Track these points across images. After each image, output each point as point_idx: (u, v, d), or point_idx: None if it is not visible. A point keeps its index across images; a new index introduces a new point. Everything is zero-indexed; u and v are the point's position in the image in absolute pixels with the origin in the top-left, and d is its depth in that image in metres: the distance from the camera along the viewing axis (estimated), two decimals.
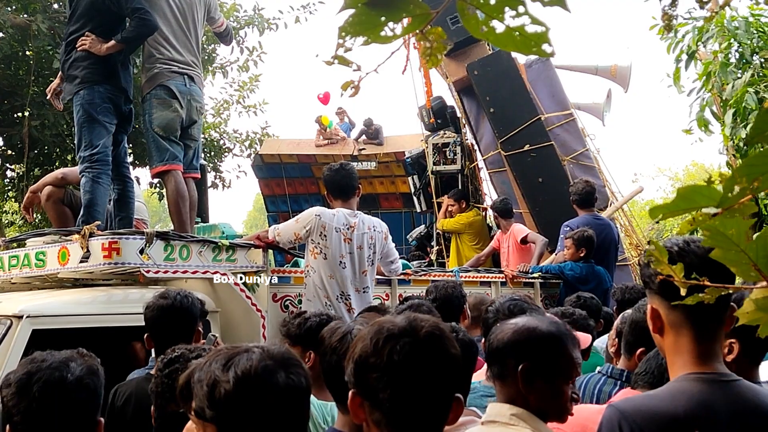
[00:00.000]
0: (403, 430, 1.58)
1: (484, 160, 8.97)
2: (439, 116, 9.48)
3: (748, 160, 0.97)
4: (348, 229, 4.66)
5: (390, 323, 1.61)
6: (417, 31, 1.04)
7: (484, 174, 9.48)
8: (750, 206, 1.00)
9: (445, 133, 9.32)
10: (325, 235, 4.59)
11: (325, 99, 14.86)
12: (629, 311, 3.14)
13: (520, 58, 8.84)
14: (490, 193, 9.34)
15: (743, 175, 0.97)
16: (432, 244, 9.84)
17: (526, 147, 8.19)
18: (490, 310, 3.21)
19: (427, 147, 9.43)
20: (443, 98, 9.73)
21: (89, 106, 4.98)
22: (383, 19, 1.00)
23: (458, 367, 1.63)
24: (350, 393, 1.62)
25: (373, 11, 0.99)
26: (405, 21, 1.03)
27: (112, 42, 4.95)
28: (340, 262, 4.61)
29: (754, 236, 1.06)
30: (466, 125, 9.30)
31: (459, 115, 9.57)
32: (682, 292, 1.24)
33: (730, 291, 1.20)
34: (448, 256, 9.03)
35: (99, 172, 4.91)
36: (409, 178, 10.50)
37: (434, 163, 9.25)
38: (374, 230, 4.82)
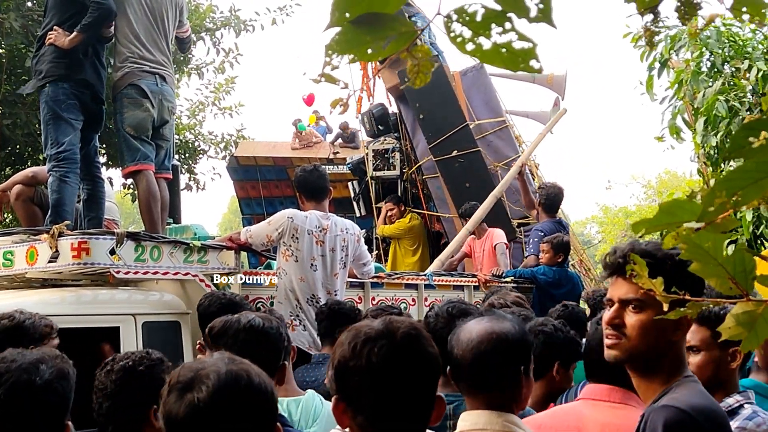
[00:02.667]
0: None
1: (419, 165, 9.06)
2: (381, 122, 9.54)
3: (728, 175, 0.99)
4: (320, 231, 4.66)
5: (367, 327, 1.63)
6: (403, 48, 1.04)
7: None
8: (732, 221, 1.02)
9: (385, 139, 9.41)
10: (296, 238, 4.59)
11: (309, 100, 14.85)
12: None
13: (453, 66, 9.01)
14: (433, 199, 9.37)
15: (723, 189, 0.98)
16: (372, 248, 9.90)
17: (454, 153, 8.35)
18: (430, 315, 3.17)
19: (367, 153, 9.49)
20: (385, 105, 9.80)
21: (54, 103, 4.93)
22: (369, 37, 1.00)
23: (437, 365, 1.66)
24: (333, 399, 1.64)
25: (358, 29, 0.99)
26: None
27: (74, 33, 4.91)
28: (312, 264, 4.61)
29: (732, 251, 1.08)
30: (404, 131, 9.37)
31: None
32: (665, 307, 1.26)
33: (711, 305, 1.22)
34: (385, 261, 9.06)
35: (66, 170, 4.85)
36: (349, 183, 10.58)
37: (374, 169, 9.32)
38: (347, 232, 4.84)
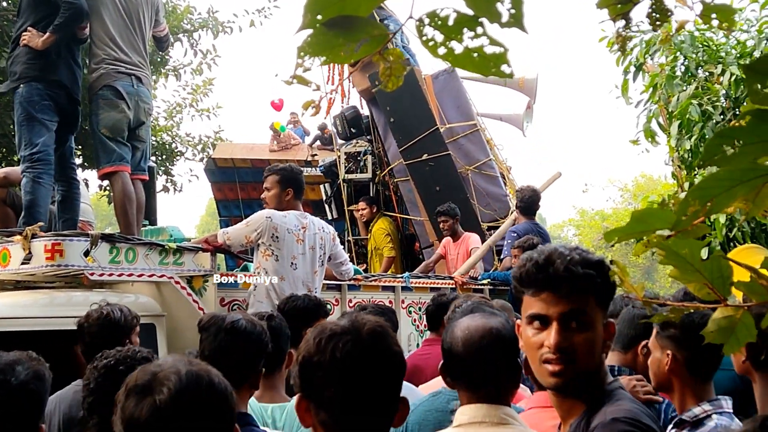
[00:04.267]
0: (349, 430, 1.58)
1: (391, 169, 9.10)
2: (353, 125, 9.56)
3: (701, 183, 1.00)
4: (300, 229, 4.74)
5: (332, 324, 1.64)
6: (375, 51, 1.04)
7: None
8: (702, 228, 1.04)
9: (357, 142, 9.44)
10: (276, 237, 4.63)
11: (278, 106, 14.79)
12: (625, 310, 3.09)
13: (425, 69, 9.05)
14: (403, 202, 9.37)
15: (696, 198, 1.00)
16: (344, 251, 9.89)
17: (425, 156, 8.39)
18: (456, 310, 3.19)
19: (339, 155, 9.51)
20: (357, 108, 9.83)
21: (28, 104, 4.91)
22: (341, 39, 1.00)
23: (401, 364, 1.66)
24: (296, 397, 1.63)
25: (331, 32, 0.99)
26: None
27: (47, 34, 4.88)
28: (292, 263, 4.67)
29: (709, 258, 1.09)
30: (376, 134, 9.40)
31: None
32: (649, 311, 1.27)
33: (692, 310, 1.23)
34: (358, 263, 8.97)
35: (40, 172, 4.82)
36: (321, 186, 10.59)
37: (347, 172, 9.34)
38: (323, 231, 4.94)
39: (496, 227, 8.29)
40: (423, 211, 8.57)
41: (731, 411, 2.30)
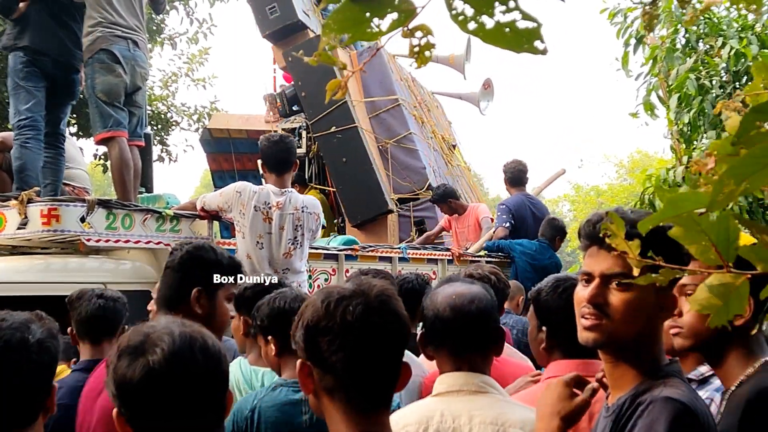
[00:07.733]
0: (356, 394, 1.55)
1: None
2: (293, 103, 9.63)
3: (736, 162, 0.95)
4: (269, 208, 4.53)
5: (339, 287, 1.60)
6: (402, 27, 1.00)
7: None
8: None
9: (295, 119, 9.53)
10: (243, 213, 4.50)
11: (289, 78, 14.77)
12: None
13: (353, 45, 9.10)
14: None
15: (731, 177, 0.95)
16: None
17: (332, 129, 8.48)
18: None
19: (276, 132, 9.57)
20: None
21: (13, 73, 5.01)
22: (368, 15, 0.96)
23: (408, 329, 1.63)
24: (298, 362, 1.59)
25: (357, 7, 0.95)
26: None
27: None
28: (258, 242, 4.51)
29: (716, 216, 1.02)
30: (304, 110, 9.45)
31: None
32: (635, 271, 1.21)
33: (686, 274, 1.16)
34: None
35: (28, 137, 4.88)
36: (259, 161, 10.61)
37: None
38: (303, 211, 4.65)
39: (415, 198, 8.50)
40: (330, 182, 8.72)
41: None
